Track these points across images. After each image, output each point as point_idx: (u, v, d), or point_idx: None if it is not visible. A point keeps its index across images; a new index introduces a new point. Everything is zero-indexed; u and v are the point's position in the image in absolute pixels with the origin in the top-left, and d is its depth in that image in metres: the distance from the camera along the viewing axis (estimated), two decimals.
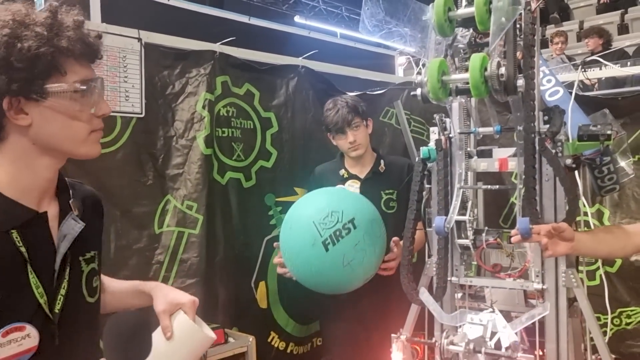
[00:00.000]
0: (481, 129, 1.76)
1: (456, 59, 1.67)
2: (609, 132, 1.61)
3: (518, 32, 1.51)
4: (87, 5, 2.28)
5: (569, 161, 1.64)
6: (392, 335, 1.55)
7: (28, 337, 0.97)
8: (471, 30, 1.67)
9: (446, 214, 1.78)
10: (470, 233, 1.74)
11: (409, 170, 2.43)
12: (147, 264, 2.38)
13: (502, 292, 1.83)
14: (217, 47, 2.62)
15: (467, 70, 1.57)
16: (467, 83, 1.44)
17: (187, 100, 2.52)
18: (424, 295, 1.66)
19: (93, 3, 2.31)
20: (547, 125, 1.64)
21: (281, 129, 2.88)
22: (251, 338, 2.32)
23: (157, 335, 1.13)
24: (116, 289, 1.32)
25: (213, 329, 2.26)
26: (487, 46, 1.63)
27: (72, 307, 1.05)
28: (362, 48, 4.46)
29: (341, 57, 3.77)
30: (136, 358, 1.00)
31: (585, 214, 2.95)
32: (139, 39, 2.34)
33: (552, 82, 3.57)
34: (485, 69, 1.41)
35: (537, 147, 1.57)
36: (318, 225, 1.95)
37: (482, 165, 1.81)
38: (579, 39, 7.84)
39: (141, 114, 2.36)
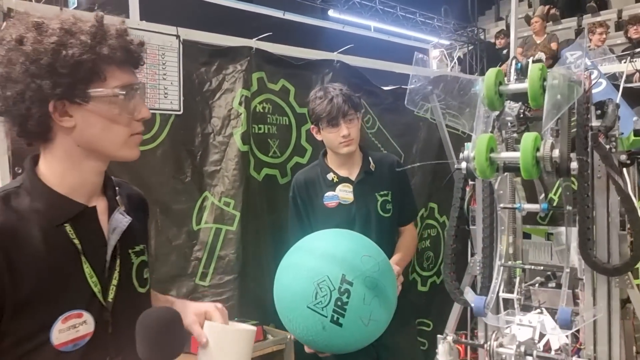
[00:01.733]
0: (526, 206, 1.72)
1: (503, 131, 1.61)
2: None
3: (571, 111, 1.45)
4: (126, 4, 2.29)
5: (623, 157, 1.58)
6: (438, 336, 1.52)
7: (85, 323, 1.03)
8: (520, 103, 1.61)
9: (491, 213, 1.73)
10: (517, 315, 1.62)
11: (398, 167, 2.31)
12: (186, 261, 2.40)
13: (549, 292, 1.78)
14: (254, 42, 2.61)
15: (515, 142, 1.52)
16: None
17: (224, 96, 2.53)
18: (469, 294, 1.62)
19: (132, 1, 2.32)
20: (600, 120, 1.57)
21: None
22: (289, 335, 2.31)
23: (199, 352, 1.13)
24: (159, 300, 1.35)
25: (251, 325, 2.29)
26: (536, 120, 1.57)
27: (124, 297, 1.10)
28: (396, 42, 4.40)
29: (375, 50, 3.72)
30: (169, 350, 1.00)
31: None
32: (177, 36, 2.35)
33: (594, 74, 3.46)
34: (537, 149, 1.34)
35: (589, 142, 1.52)
36: (315, 307, 1.67)
37: None
38: (617, 29, 7.59)
39: (179, 111, 2.38)
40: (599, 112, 1.60)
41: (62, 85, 0.99)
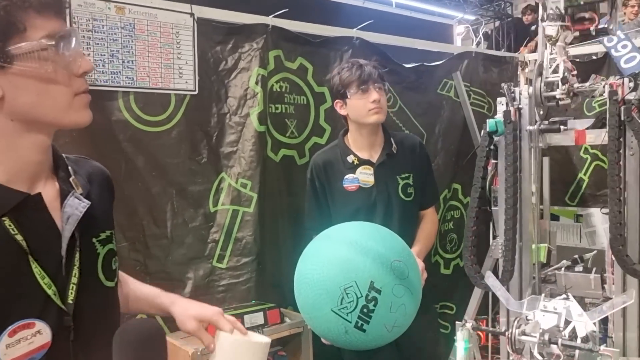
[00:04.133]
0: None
1: None
2: None
3: None
4: None
5: None
6: (457, 322, 1.46)
7: (39, 333, 0.89)
8: None
9: (514, 193, 1.65)
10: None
11: (421, 149, 2.22)
12: (202, 243, 2.38)
13: (576, 277, 1.69)
14: (270, 20, 2.54)
15: None
16: None
17: (240, 76, 2.47)
18: (490, 279, 1.55)
19: None
20: (634, 93, 1.47)
21: None
22: None
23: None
24: (140, 293, 1.23)
25: (268, 308, 2.27)
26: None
27: (89, 295, 0.96)
28: (418, 17, 4.26)
29: (397, 27, 3.61)
30: None
31: None
32: (192, 14, 2.29)
33: (628, 47, 3.29)
34: None
35: (622, 117, 1.42)
36: (340, 312, 1.61)
37: (556, 138, 1.66)
38: None
39: (195, 91, 2.33)
40: (632, 84, 1.49)
41: None
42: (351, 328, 1.61)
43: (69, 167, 1.00)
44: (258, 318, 2.17)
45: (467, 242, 1.70)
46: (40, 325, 0.89)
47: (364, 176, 2.13)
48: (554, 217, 3.30)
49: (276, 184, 2.57)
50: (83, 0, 2.05)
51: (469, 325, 1.39)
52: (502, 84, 1.77)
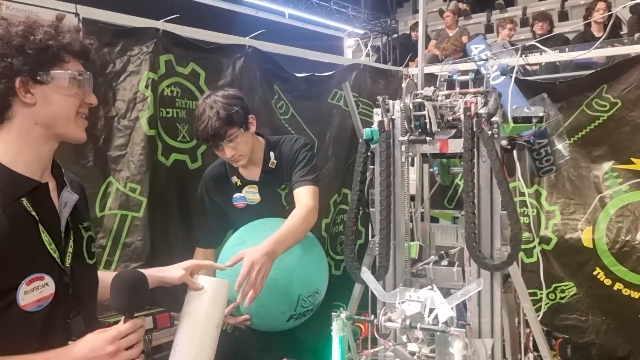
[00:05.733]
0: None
1: None
2: (541, 114, 1.67)
3: None
4: None
5: (504, 142, 1.71)
6: (333, 313, 1.58)
7: (47, 285, 1.18)
8: None
9: (388, 196, 1.81)
10: None
11: (295, 145, 2.28)
12: None
13: (442, 270, 1.89)
14: (161, 24, 2.54)
15: None
16: None
17: (129, 79, 2.44)
18: (365, 274, 1.69)
19: None
20: (485, 108, 1.69)
21: None
22: None
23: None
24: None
25: (158, 312, 2.25)
26: None
27: (78, 265, 1.27)
28: (310, 29, 4.42)
29: (289, 37, 3.73)
30: (138, 302, 1.30)
31: (524, 194, 3.08)
32: (77, 14, 2.23)
33: (495, 67, 3.68)
34: None
35: (474, 129, 1.62)
36: (301, 300, 1.99)
37: (424, 147, 1.85)
38: (522, 25, 8.11)
39: None
40: (484, 100, 1.71)
41: (29, 64, 1.16)
42: (288, 315, 1.97)
43: (62, 168, 1.32)
44: (147, 322, 2.15)
45: (347, 240, 1.83)
46: (47, 278, 1.19)
47: (251, 195, 2.26)
48: (434, 219, 3.55)
49: (167, 188, 2.56)
50: None
51: (343, 315, 1.51)
52: (378, 97, 1.93)
